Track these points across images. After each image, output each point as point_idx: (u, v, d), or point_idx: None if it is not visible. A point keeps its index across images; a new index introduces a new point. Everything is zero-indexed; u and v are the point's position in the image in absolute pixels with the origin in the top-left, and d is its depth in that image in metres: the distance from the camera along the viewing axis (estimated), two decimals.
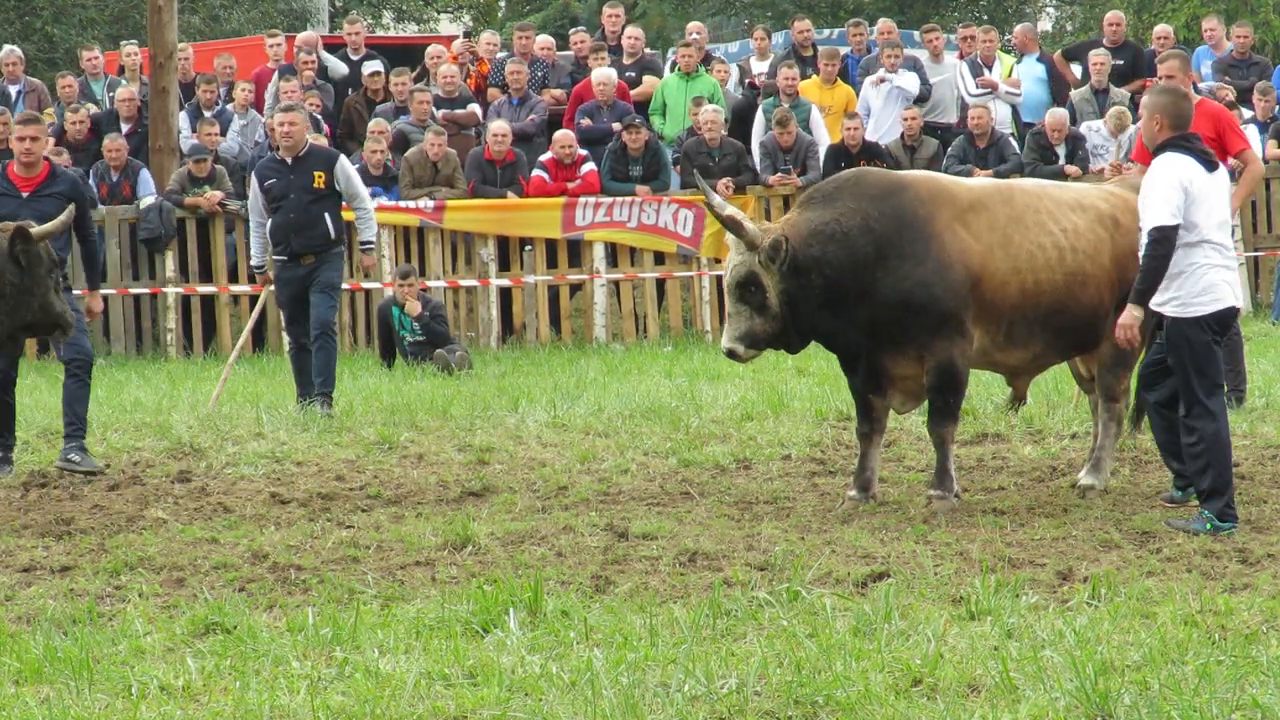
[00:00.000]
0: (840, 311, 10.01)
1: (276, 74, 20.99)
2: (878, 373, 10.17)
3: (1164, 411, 9.82)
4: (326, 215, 14.30)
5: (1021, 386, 11.12)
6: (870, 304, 9.96)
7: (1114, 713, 6.21)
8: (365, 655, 7.11)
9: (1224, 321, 9.50)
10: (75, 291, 11.98)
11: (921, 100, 21.26)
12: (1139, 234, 9.63)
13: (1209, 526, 9.26)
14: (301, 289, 14.42)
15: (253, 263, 14.99)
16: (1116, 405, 10.51)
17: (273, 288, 14.83)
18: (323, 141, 18.43)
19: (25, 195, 12.10)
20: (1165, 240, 9.33)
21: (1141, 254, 9.45)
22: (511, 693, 6.61)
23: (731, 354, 10.10)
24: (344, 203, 14.54)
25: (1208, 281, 9.39)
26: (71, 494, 11.16)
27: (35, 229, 10.62)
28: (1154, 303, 9.48)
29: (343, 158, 14.89)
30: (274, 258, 14.63)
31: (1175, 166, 9.43)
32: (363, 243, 14.86)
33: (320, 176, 14.35)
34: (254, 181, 14.69)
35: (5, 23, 32.59)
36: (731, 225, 9.99)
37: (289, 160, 14.43)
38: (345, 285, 18.71)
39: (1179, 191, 9.36)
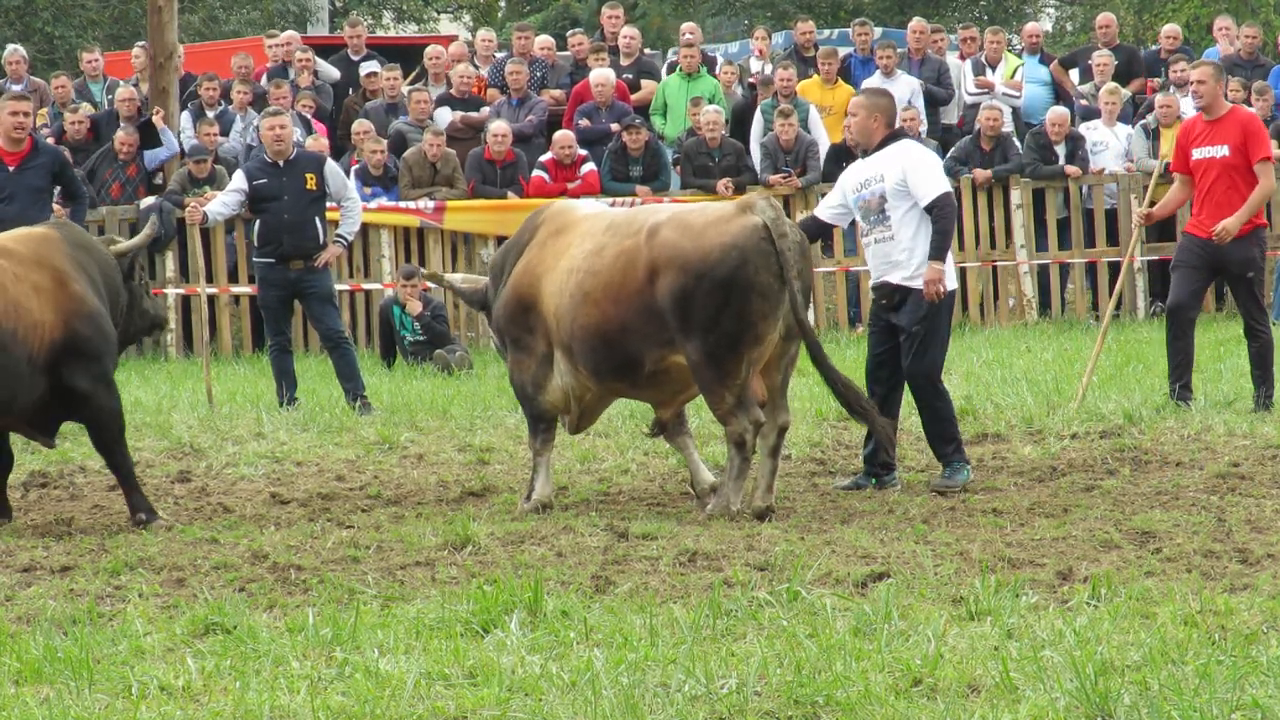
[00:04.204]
0: None
1: (265, 76, 21.04)
2: None
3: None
4: (317, 219, 14.48)
5: (663, 414, 10.52)
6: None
7: (1114, 713, 6.21)
8: (365, 655, 7.10)
9: (951, 303, 10.76)
10: None
11: (942, 102, 21.24)
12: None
13: (967, 474, 10.68)
14: (289, 293, 14.55)
15: (206, 208, 15.03)
16: (727, 430, 10.00)
17: (199, 214, 14.99)
18: (317, 145, 18.57)
19: (11, 169, 12.87)
20: (952, 204, 10.61)
21: (934, 218, 10.50)
22: (511, 693, 6.61)
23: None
24: (330, 204, 14.78)
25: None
26: (71, 494, 11.17)
27: (120, 247, 10.64)
28: (906, 278, 10.59)
29: (330, 159, 15.23)
30: (259, 260, 14.72)
31: (925, 149, 10.95)
32: (339, 235, 14.87)
33: (311, 179, 14.51)
34: (241, 176, 14.75)
35: (5, 24, 32.59)
36: (435, 280, 11.40)
37: (280, 163, 14.55)
38: (346, 285, 18.76)
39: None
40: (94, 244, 10.46)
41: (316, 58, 21.66)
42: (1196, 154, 12.83)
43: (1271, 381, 12.90)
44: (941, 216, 10.54)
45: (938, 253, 10.56)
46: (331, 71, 21.54)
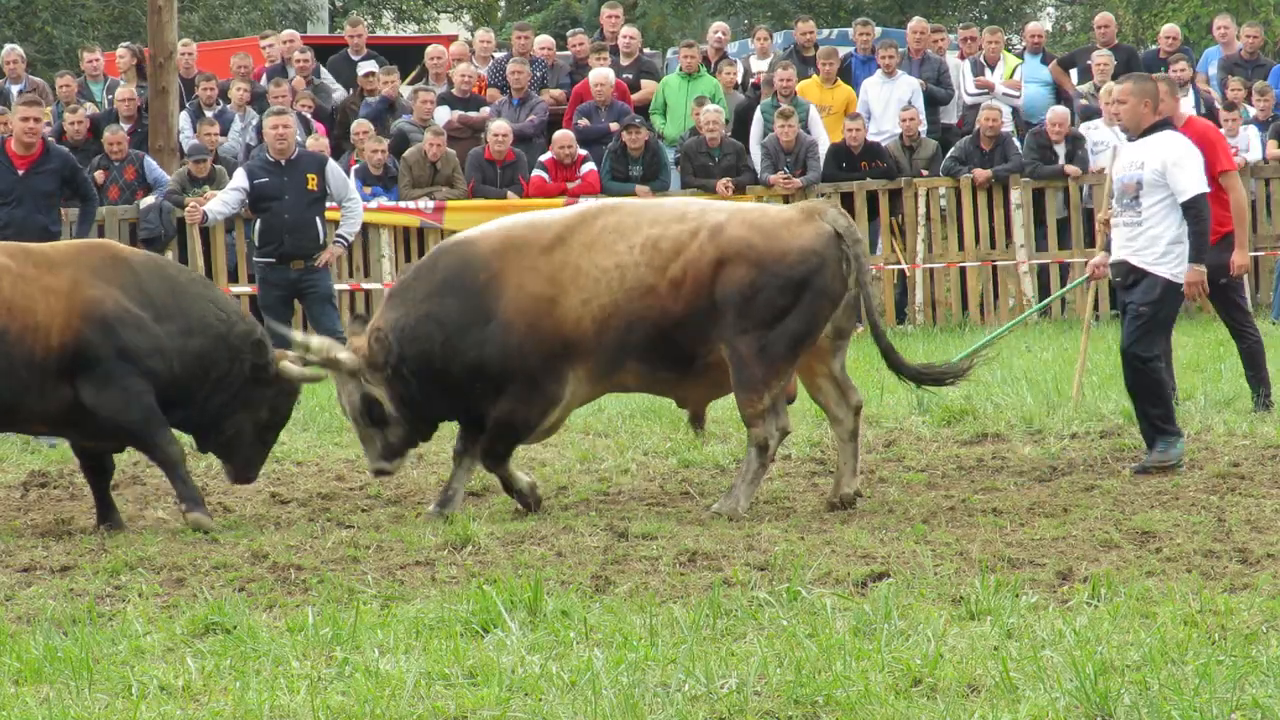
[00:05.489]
0: (444, 396, 10.14)
1: (264, 76, 21.03)
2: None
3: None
4: (318, 219, 14.51)
5: (696, 408, 10.52)
6: (455, 383, 10.07)
7: (1114, 713, 6.21)
8: (365, 655, 7.10)
9: (1180, 295, 10.94)
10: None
11: (942, 102, 21.23)
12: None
13: (1180, 447, 10.91)
14: (289, 294, 14.60)
15: (206, 207, 15.21)
16: (752, 431, 10.09)
17: (199, 213, 15.22)
18: (317, 144, 18.57)
19: (21, 172, 12.86)
20: (1207, 205, 10.83)
21: (1190, 218, 10.72)
22: (511, 693, 6.61)
23: (381, 473, 10.37)
24: (331, 204, 14.83)
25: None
26: (71, 494, 11.16)
27: (277, 356, 10.13)
28: (1147, 262, 10.76)
29: (331, 160, 15.25)
30: (259, 260, 14.77)
31: (1188, 143, 10.92)
32: (339, 235, 14.91)
33: (313, 179, 14.53)
34: (243, 175, 14.79)
35: (5, 23, 32.59)
36: (330, 365, 10.09)
37: (282, 162, 14.57)
38: (346, 285, 18.77)
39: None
40: (187, 282, 10.08)
41: (325, 72, 21.58)
42: None
43: (1267, 381, 12.88)
44: (1198, 218, 10.76)
45: (1197, 254, 10.77)
46: (334, 85, 21.46)
